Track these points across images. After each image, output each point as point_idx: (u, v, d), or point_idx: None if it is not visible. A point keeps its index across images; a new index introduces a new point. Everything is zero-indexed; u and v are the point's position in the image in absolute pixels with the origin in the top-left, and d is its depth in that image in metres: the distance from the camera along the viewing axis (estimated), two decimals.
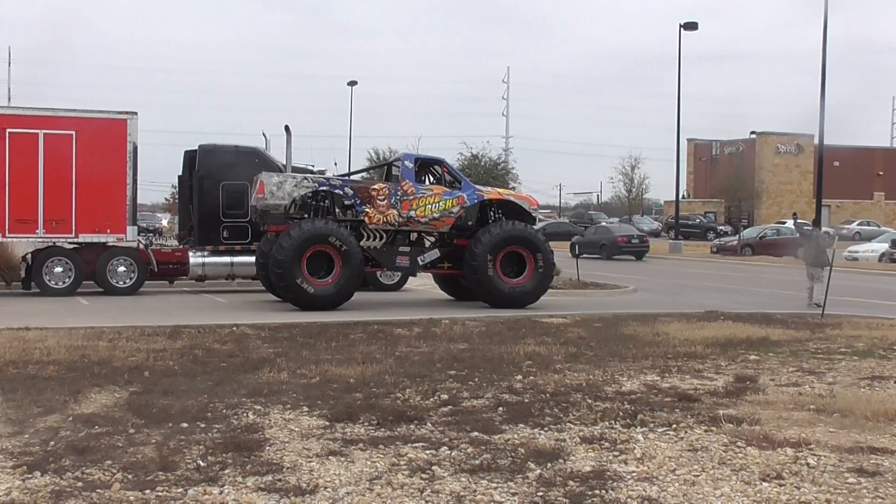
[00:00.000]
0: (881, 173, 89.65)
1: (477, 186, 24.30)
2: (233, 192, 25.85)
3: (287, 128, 23.19)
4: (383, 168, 26.70)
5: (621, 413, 9.88)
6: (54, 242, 24.44)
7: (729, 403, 10.59)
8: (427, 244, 23.41)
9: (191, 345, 14.74)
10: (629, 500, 7.03)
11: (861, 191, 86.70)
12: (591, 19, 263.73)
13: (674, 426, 9.30)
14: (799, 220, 26.89)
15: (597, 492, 7.18)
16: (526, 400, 10.66)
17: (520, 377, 12.16)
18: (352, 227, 22.26)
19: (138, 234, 40.46)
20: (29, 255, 24.60)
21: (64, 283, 24.31)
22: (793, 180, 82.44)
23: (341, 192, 22.46)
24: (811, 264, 24.70)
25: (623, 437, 8.87)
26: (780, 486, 7.34)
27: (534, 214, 24.06)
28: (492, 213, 23.83)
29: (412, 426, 9.32)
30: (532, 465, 7.83)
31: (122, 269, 24.95)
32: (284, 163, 23.82)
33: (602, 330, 17.52)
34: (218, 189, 25.99)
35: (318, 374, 12.20)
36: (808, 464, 7.92)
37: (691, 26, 53.61)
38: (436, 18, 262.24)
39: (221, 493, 7.14)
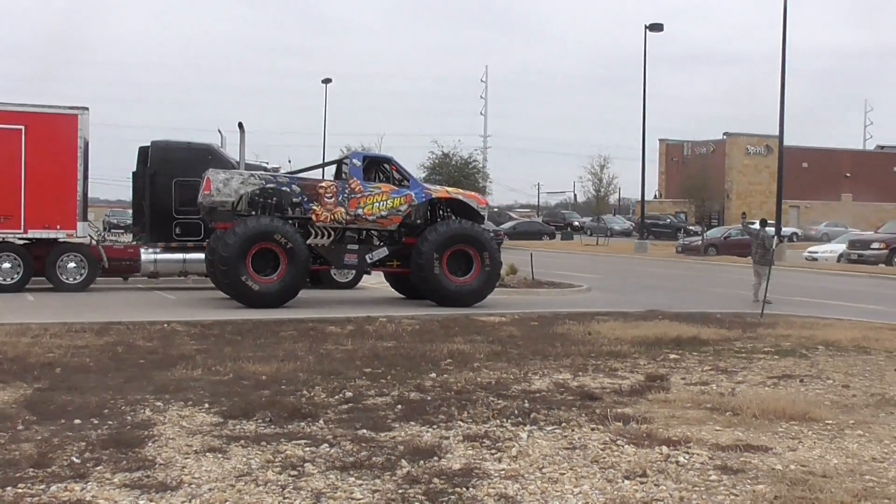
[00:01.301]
0: (849, 175, 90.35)
1: (426, 185, 24.37)
2: (186, 188, 25.63)
3: (240, 124, 23.19)
4: (334, 166, 26.66)
5: (516, 411, 9.93)
6: (3, 238, 24.28)
7: (629, 402, 10.67)
8: (376, 242, 23.45)
9: (115, 341, 14.72)
10: (486, 497, 7.08)
11: (829, 192, 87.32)
12: (570, 19, 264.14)
13: (563, 425, 9.36)
14: (747, 221, 27.15)
15: (457, 489, 7.23)
16: (429, 398, 10.71)
17: (433, 375, 12.21)
18: (299, 225, 22.27)
19: (107, 230, 40.37)
20: None
21: (12, 279, 24.09)
22: (762, 181, 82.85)
23: (288, 190, 22.45)
24: (758, 262, 25.21)
25: (507, 435, 8.92)
26: (641, 483, 7.41)
27: (482, 213, 24.07)
28: (441, 212, 23.91)
29: (304, 423, 9.36)
30: (404, 463, 7.87)
31: (72, 265, 24.78)
32: (238, 159, 23.82)
33: (536, 328, 17.59)
34: (171, 185, 25.88)
35: (233, 371, 12.23)
36: (677, 462, 8.00)
37: (657, 27, 53.89)
38: (415, 16, 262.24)
39: (83, 489, 7.16)
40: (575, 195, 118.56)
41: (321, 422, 9.44)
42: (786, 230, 61.98)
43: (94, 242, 25.95)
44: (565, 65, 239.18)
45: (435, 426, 9.28)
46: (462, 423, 9.39)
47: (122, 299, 23.31)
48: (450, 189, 25.53)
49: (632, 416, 9.70)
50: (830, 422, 9.75)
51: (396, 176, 23.35)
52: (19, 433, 8.85)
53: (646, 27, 54.05)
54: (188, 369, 12.30)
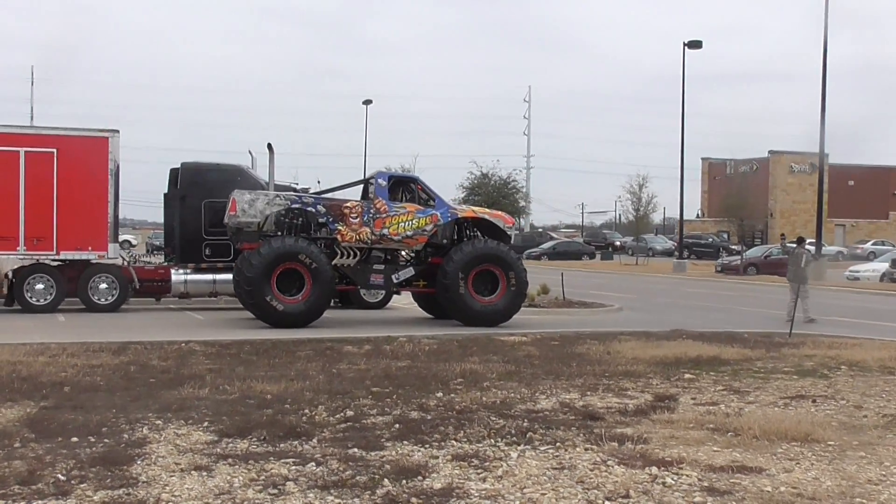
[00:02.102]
0: None
1: (452, 205, 24.34)
2: (215, 209, 25.83)
3: (270, 145, 23.38)
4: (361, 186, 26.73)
5: (513, 431, 9.82)
6: (36, 259, 24.64)
7: (631, 422, 10.52)
8: (402, 262, 23.48)
9: (130, 361, 14.80)
10: None
11: (877, 210, 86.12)
12: (612, 38, 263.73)
13: (557, 444, 9.25)
14: (788, 242, 26.97)
15: None
16: (429, 417, 10.64)
17: (440, 394, 12.13)
18: (325, 245, 22.35)
19: (150, 252, 40.81)
20: (11, 272, 24.80)
21: (45, 299, 24.46)
22: (806, 199, 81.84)
23: (314, 210, 22.54)
24: (792, 280, 25.04)
25: (498, 454, 8.82)
26: None
27: (509, 233, 23.99)
28: (467, 232, 23.87)
29: (297, 442, 9.33)
30: (386, 483, 7.81)
31: (103, 286, 25.06)
32: (267, 180, 23.96)
33: (556, 348, 17.44)
34: (200, 207, 26.11)
35: (240, 391, 12.23)
36: (664, 483, 7.85)
37: (695, 45, 53.46)
38: (456, 37, 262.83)
39: None
40: (618, 215, 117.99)
41: (314, 441, 9.40)
42: (830, 248, 61.17)
43: (125, 263, 26.27)
44: (609, 83, 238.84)
45: (427, 445, 9.20)
46: (455, 443, 9.30)
47: (150, 320, 23.51)
48: (476, 209, 25.51)
49: (629, 437, 9.55)
50: (833, 443, 9.54)
51: (423, 196, 23.34)
52: (15, 450, 8.91)
53: (684, 44, 53.63)
54: (196, 388, 12.32)
